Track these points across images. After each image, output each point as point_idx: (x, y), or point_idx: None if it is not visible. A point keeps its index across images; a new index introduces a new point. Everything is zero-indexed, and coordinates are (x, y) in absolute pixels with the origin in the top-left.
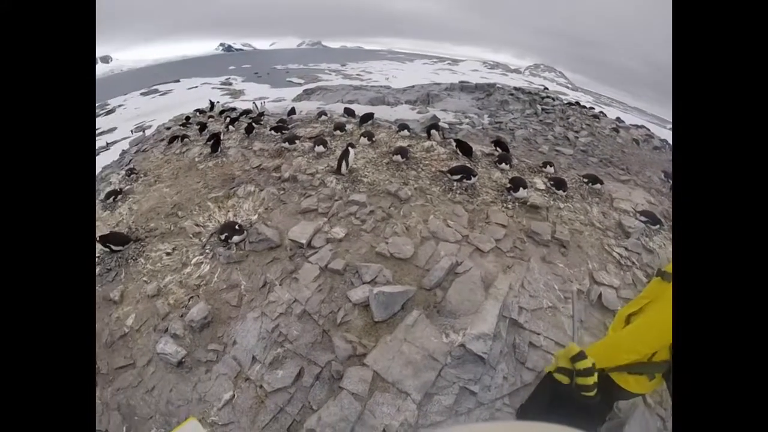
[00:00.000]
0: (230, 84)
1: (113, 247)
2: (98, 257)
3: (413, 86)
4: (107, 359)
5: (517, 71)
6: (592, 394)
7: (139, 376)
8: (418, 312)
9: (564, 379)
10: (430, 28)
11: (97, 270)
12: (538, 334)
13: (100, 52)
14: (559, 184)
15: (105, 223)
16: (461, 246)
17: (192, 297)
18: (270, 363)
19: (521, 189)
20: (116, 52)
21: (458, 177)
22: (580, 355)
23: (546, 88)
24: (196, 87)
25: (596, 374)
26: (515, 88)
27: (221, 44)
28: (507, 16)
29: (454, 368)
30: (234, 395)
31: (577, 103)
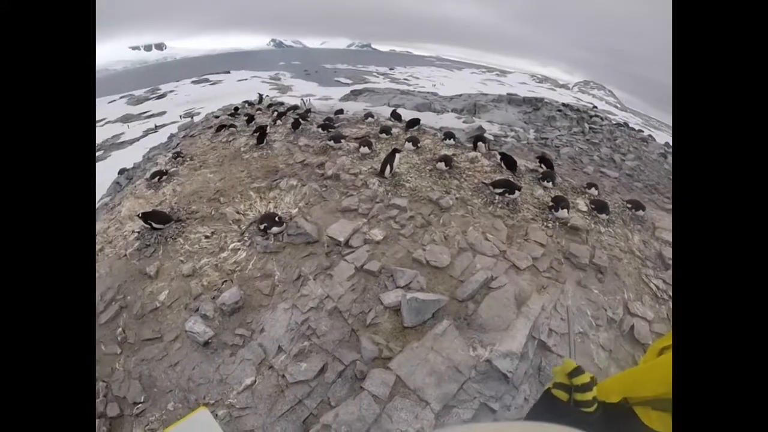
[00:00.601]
0: (279, 79)
1: (154, 225)
2: (138, 233)
3: (460, 95)
4: (135, 330)
5: (565, 87)
6: (591, 409)
7: (165, 350)
8: (448, 322)
9: (562, 395)
10: (480, 37)
11: (136, 245)
12: (561, 357)
13: (155, 39)
14: (601, 207)
15: (148, 201)
16: (498, 261)
17: (225, 281)
18: (295, 354)
19: (563, 209)
20: (171, 41)
21: (501, 191)
22: (578, 371)
23: (595, 107)
24: (246, 80)
25: (595, 389)
26: (563, 105)
27: (272, 40)
28: (558, 30)
29: (477, 383)
30: (255, 381)
31: (626, 124)
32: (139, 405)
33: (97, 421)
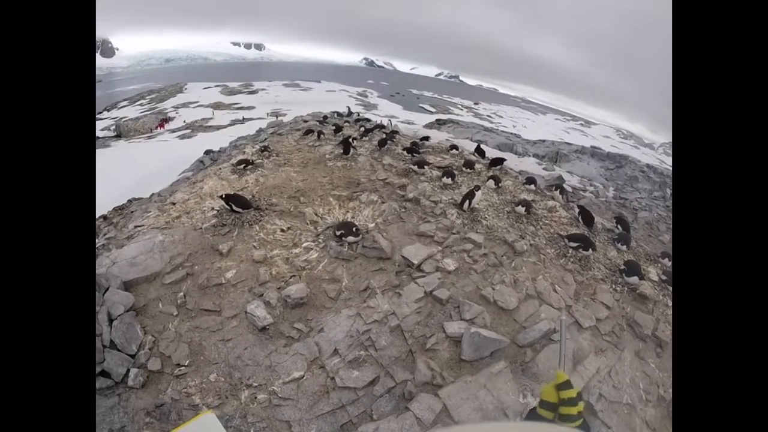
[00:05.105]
0: (366, 96)
1: (234, 207)
2: (217, 211)
3: (543, 141)
4: (196, 298)
5: (650, 146)
6: (576, 424)
7: (221, 324)
8: (505, 364)
9: (548, 415)
10: (568, 82)
11: (213, 221)
12: (609, 427)
13: (256, 39)
14: None
15: (231, 184)
16: (562, 314)
17: (294, 276)
18: (350, 361)
19: (635, 275)
20: (270, 43)
21: (575, 245)
22: (567, 384)
23: None
24: (334, 91)
25: (581, 404)
26: (647, 166)
27: (365, 58)
28: (648, 84)
29: None
30: (303, 376)
31: None
32: (182, 368)
33: (135, 370)
